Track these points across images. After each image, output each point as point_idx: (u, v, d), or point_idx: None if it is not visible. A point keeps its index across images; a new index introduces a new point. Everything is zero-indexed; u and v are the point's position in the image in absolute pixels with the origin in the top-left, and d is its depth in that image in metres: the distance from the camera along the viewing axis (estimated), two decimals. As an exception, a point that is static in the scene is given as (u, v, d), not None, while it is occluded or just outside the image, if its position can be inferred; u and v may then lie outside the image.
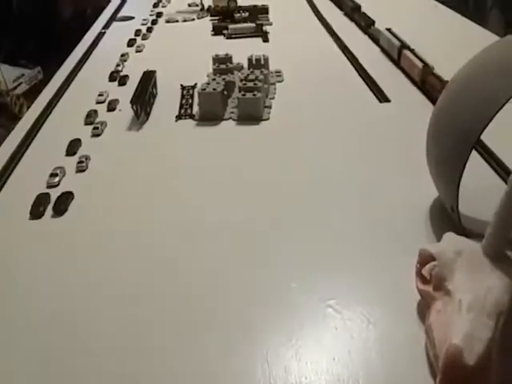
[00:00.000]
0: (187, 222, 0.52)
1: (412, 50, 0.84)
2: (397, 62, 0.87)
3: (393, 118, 0.70)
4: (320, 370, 0.35)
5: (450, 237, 0.41)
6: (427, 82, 0.75)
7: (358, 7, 1.14)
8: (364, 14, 1.10)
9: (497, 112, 0.40)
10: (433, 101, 0.73)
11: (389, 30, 0.95)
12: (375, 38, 0.99)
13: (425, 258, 0.40)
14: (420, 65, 0.77)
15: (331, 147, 0.64)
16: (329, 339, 0.38)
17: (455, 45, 0.94)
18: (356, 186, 0.56)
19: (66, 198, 0.56)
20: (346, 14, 1.19)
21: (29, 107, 0.86)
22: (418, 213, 0.50)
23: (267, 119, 0.72)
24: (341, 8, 1.23)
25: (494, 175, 0.56)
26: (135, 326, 0.40)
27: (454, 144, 0.44)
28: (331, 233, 0.49)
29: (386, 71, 0.86)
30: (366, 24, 1.06)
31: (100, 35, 1.17)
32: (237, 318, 0.40)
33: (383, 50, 0.94)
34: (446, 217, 0.47)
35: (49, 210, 0.55)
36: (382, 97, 0.76)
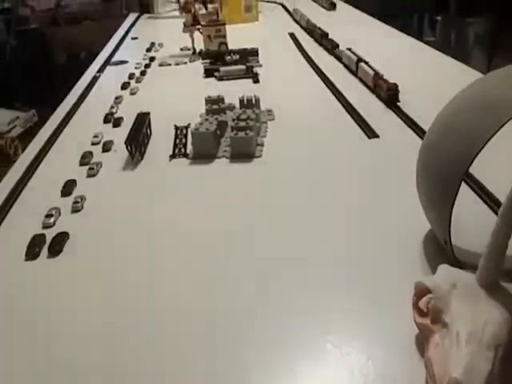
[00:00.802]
0: (184, 260, 0.52)
1: (366, 63, 1.01)
2: (355, 73, 1.05)
3: (383, 153, 0.72)
4: (321, 408, 0.35)
5: (444, 269, 0.41)
6: (377, 85, 0.92)
7: (326, 34, 1.34)
8: (330, 39, 1.30)
9: (483, 147, 0.41)
10: (381, 99, 0.90)
11: (349, 49, 1.13)
12: (339, 57, 1.18)
13: (421, 291, 0.40)
14: (372, 73, 0.95)
15: (323, 182, 0.65)
16: (329, 376, 0.37)
17: (437, 81, 0.98)
18: (349, 221, 0.57)
19: (61, 239, 0.56)
20: (315, 41, 1.38)
21: (24, 149, 0.87)
22: (412, 245, 0.51)
23: (260, 156, 0.73)
24: (312, 36, 1.44)
25: (485, 208, 0.56)
26: (124, 370, 0.39)
27: (442, 179, 0.45)
28: (326, 267, 0.49)
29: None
30: (331, 47, 1.25)
31: (94, 79, 1.19)
32: (233, 358, 0.40)
33: (345, 66, 1.12)
34: (440, 248, 0.48)
35: (44, 251, 0.55)
36: (370, 133, 0.78)
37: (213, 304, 0.46)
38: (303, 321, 0.43)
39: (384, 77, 0.91)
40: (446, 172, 0.44)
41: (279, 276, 0.49)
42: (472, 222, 0.50)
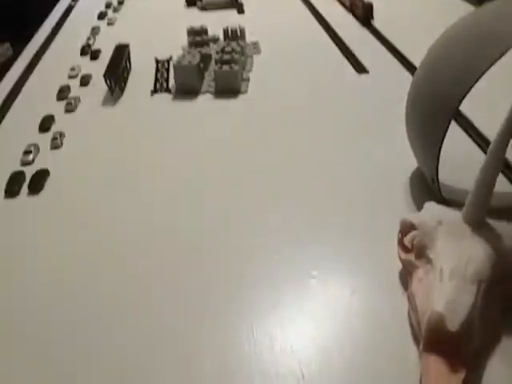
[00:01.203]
0: (166, 196, 0.51)
1: None
2: None
3: (372, 88, 0.70)
4: (305, 340, 0.36)
5: (430, 206, 0.41)
6: (353, 5, 0.97)
7: None
8: None
9: (476, 81, 0.40)
10: (357, 18, 0.95)
11: None
12: None
13: (406, 228, 0.40)
14: None
15: (311, 118, 0.64)
16: (313, 309, 0.38)
17: (428, 14, 0.95)
18: (335, 157, 0.56)
19: (41, 176, 0.55)
20: None
21: (-2, 84, 0.83)
22: (399, 183, 0.50)
23: (245, 92, 0.71)
24: None
25: (473, 146, 0.56)
26: (114, 303, 0.40)
27: (433, 114, 0.44)
28: (311, 204, 0.49)
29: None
30: None
31: (69, 8, 1.13)
32: (220, 292, 0.40)
33: None
34: (427, 186, 0.48)
35: (24, 189, 0.53)
36: (359, 68, 0.76)
37: (199, 240, 0.45)
38: (287, 257, 0.43)
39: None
40: (436, 107, 0.43)
41: (266, 210, 0.48)
42: (460, 161, 0.50)
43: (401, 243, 0.40)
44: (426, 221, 0.39)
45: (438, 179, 0.45)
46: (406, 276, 0.39)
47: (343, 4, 1.03)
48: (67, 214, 0.50)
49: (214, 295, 0.40)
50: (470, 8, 0.98)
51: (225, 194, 0.51)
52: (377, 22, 0.92)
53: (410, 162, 0.50)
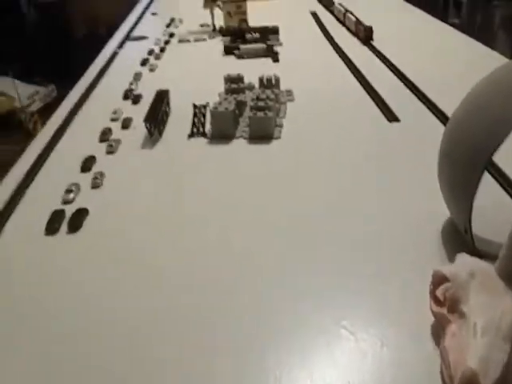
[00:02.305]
0: (201, 240, 0.52)
1: (351, 13, 1.27)
2: (343, 23, 1.31)
3: (403, 137, 0.71)
4: (334, 392, 0.35)
5: (463, 258, 0.41)
6: (357, 29, 1.19)
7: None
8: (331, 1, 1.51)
9: (510, 132, 0.40)
10: (359, 39, 1.16)
11: (340, 4, 1.38)
12: (335, 14, 1.42)
13: (438, 280, 0.40)
14: (353, 19, 1.22)
15: (343, 166, 0.65)
16: (343, 361, 0.38)
17: (461, 65, 0.96)
18: (368, 207, 0.56)
19: (80, 215, 0.57)
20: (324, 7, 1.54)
21: (43, 124, 0.87)
22: (430, 233, 0.50)
23: (279, 138, 0.73)
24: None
25: (507, 197, 0.55)
26: (140, 349, 0.40)
27: (466, 165, 0.44)
28: (343, 254, 0.49)
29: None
30: (327, 3, 1.50)
31: (114, 54, 1.19)
32: (248, 341, 0.40)
33: (337, 19, 1.36)
34: (459, 237, 0.47)
35: (64, 226, 0.55)
36: (391, 116, 0.77)
37: (228, 287, 0.46)
38: (317, 307, 0.43)
39: (363, 22, 1.16)
40: (470, 157, 0.43)
41: (296, 257, 0.49)
42: (493, 212, 0.49)
43: (433, 295, 0.40)
44: (458, 273, 0.39)
45: (471, 230, 0.45)
46: (438, 329, 0.38)
47: (348, 28, 1.25)
48: (104, 253, 0.52)
49: (242, 347, 0.40)
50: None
51: (254, 239, 0.52)
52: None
53: (441, 211, 0.49)
